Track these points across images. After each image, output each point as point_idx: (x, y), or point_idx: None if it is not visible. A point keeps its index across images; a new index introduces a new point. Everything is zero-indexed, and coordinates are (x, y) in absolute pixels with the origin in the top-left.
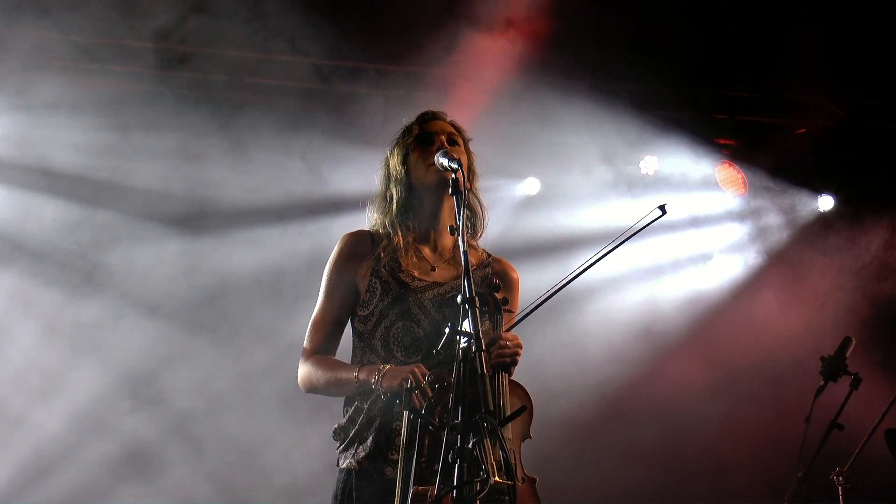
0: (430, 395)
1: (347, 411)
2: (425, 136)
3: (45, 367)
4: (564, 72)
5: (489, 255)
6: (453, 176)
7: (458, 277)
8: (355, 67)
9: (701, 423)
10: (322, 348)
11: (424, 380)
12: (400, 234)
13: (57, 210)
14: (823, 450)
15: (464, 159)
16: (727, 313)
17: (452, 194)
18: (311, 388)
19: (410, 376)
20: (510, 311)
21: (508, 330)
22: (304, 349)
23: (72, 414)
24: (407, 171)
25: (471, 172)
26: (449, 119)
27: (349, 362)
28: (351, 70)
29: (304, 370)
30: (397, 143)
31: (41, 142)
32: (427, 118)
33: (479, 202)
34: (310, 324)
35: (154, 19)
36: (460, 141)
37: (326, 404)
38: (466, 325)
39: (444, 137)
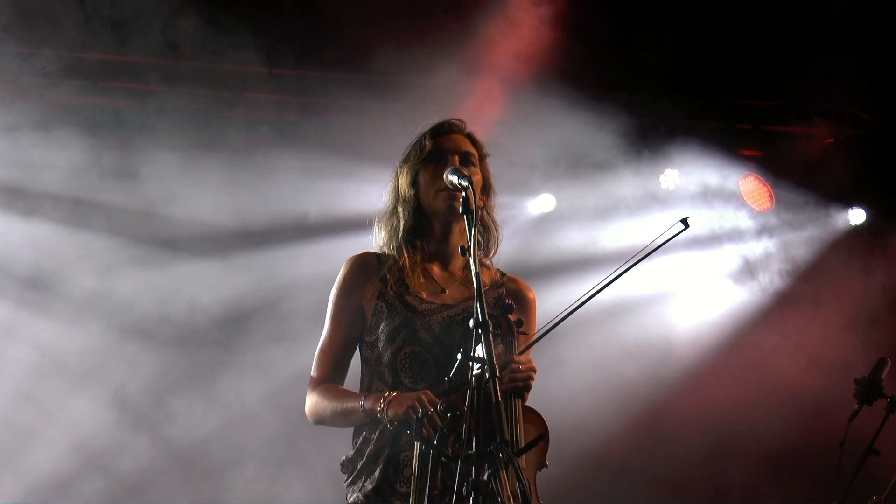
0: (439, 422)
1: (356, 442)
2: (437, 155)
3: (39, 400)
4: (579, 82)
5: (503, 275)
6: (463, 194)
7: (469, 298)
8: (360, 79)
9: (728, 450)
10: (329, 377)
11: (433, 407)
12: (406, 255)
13: (46, 234)
14: (859, 477)
15: (476, 179)
16: (754, 334)
17: (463, 213)
18: (319, 419)
19: (417, 404)
20: (524, 334)
21: (523, 353)
22: (310, 378)
23: (67, 449)
24: (416, 193)
25: (487, 189)
26: (467, 131)
27: (358, 391)
28: (354, 82)
29: (310, 401)
30: (408, 160)
31: (25, 162)
32: (442, 131)
33: (492, 220)
34: (316, 352)
35: (133, 35)
36: (475, 160)
37: (334, 435)
38: (479, 351)
39: (457, 158)
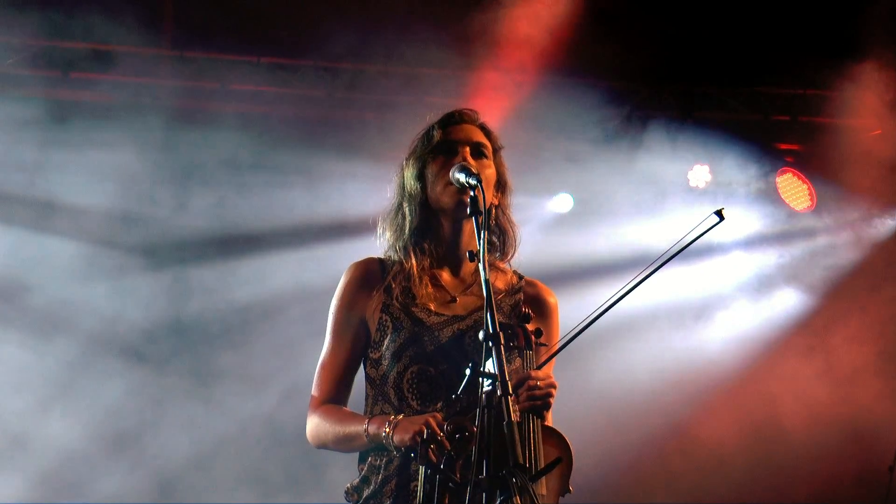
0: (448, 447)
1: (361, 469)
2: (447, 146)
3: (6, 424)
4: (598, 73)
5: (521, 278)
6: (472, 194)
7: (482, 308)
8: (359, 70)
9: (769, 474)
10: (332, 397)
11: (441, 430)
12: (414, 259)
13: (4, 238)
14: None
15: (489, 173)
16: (789, 348)
17: (471, 215)
18: (321, 444)
19: (424, 427)
20: (544, 345)
21: (542, 366)
22: (311, 398)
23: (36, 475)
24: (423, 188)
25: (502, 185)
26: (479, 121)
27: (362, 411)
28: (354, 73)
29: (312, 423)
30: (414, 152)
31: None
32: (452, 121)
33: (508, 221)
34: (317, 369)
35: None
36: (488, 152)
37: (335, 460)
38: (490, 365)
39: (467, 149)
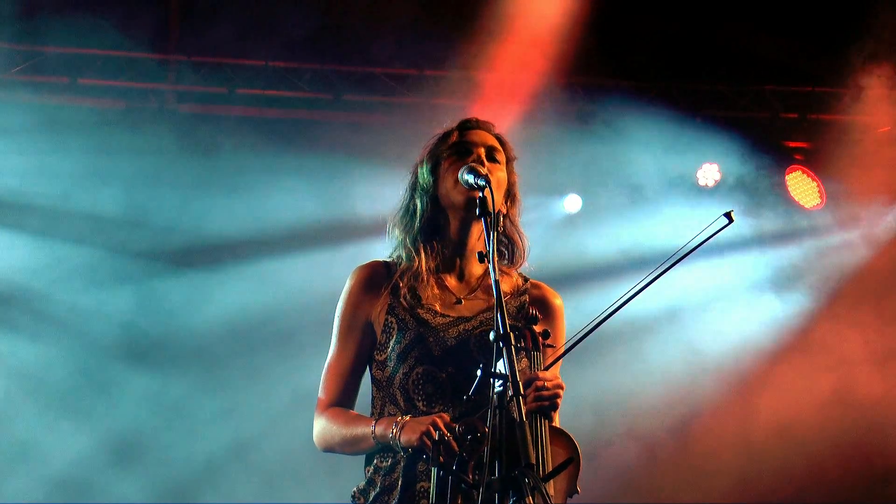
0: (456, 448)
1: (367, 471)
2: (462, 146)
3: (14, 430)
4: (607, 72)
5: (526, 281)
6: (480, 195)
7: (488, 310)
8: (366, 73)
9: (776, 476)
10: (338, 400)
11: (449, 431)
12: (423, 256)
13: (13, 245)
14: None
15: (500, 176)
16: (797, 346)
17: (480, 216)
18: (328, 447)
19: (431, 429)
20: (551, 346)
21: (549, 367)
22: (318, 401)
23: (46, 484)
24: (435, 181)
25: (510, 196)
26: (495, 132)
27: (369, 414)
28: (361, 76)
29: (318, 426)
30: (430, 150)
31: None
32: (469, 126)
33: (517, 230)
34: (323, 372)
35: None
36: (501, 158)
37: (342, 464)
38: (501, 366)
39: (482, 150)
